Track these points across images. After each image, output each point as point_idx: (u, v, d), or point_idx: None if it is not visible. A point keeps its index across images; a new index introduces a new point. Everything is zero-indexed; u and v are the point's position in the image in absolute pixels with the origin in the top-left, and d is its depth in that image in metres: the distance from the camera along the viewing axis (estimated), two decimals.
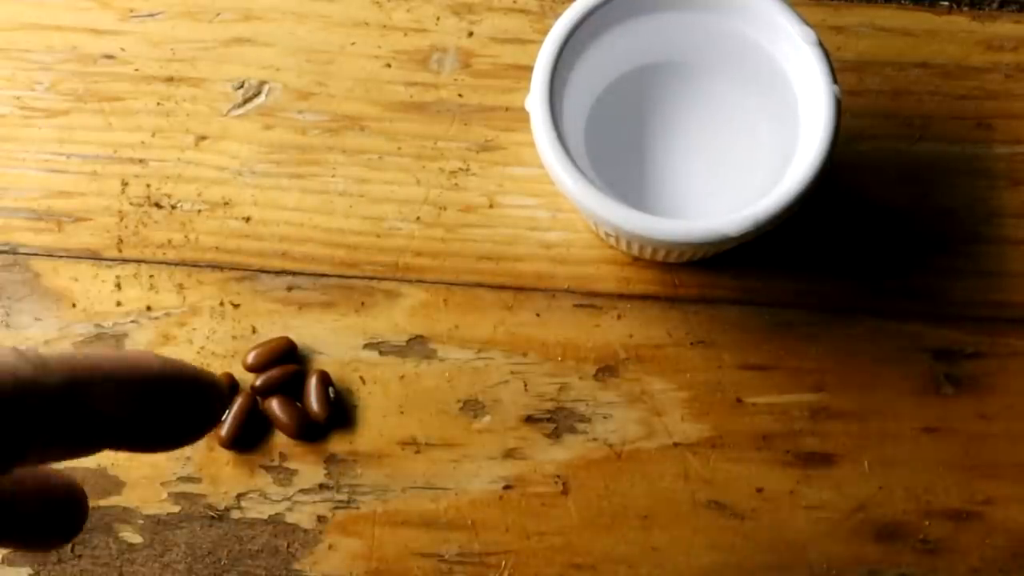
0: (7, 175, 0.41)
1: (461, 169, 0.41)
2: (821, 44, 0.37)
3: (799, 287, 0.40)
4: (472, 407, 0.39)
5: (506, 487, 0.38)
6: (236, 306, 0.40)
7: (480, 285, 0.40)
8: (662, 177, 0.40)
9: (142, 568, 0.37)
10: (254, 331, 0.39)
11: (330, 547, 0.37)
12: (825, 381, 0.39)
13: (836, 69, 0.37)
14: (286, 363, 0.39)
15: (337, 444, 0.38)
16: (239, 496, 0.38)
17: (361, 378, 0.39)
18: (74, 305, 0.40)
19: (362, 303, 0.40)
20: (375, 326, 0.39)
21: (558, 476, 0.38)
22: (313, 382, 0.38)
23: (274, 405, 0.38)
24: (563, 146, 0.36)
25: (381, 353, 0.39)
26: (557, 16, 0.38)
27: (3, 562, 0.37)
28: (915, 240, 0.40)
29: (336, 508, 0.38)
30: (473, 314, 0.40)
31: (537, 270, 0.40)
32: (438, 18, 0.43)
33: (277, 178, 0.41)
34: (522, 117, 0.38)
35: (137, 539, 0.38)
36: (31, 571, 0.37)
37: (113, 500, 0.38)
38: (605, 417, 0.38)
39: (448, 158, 0.41)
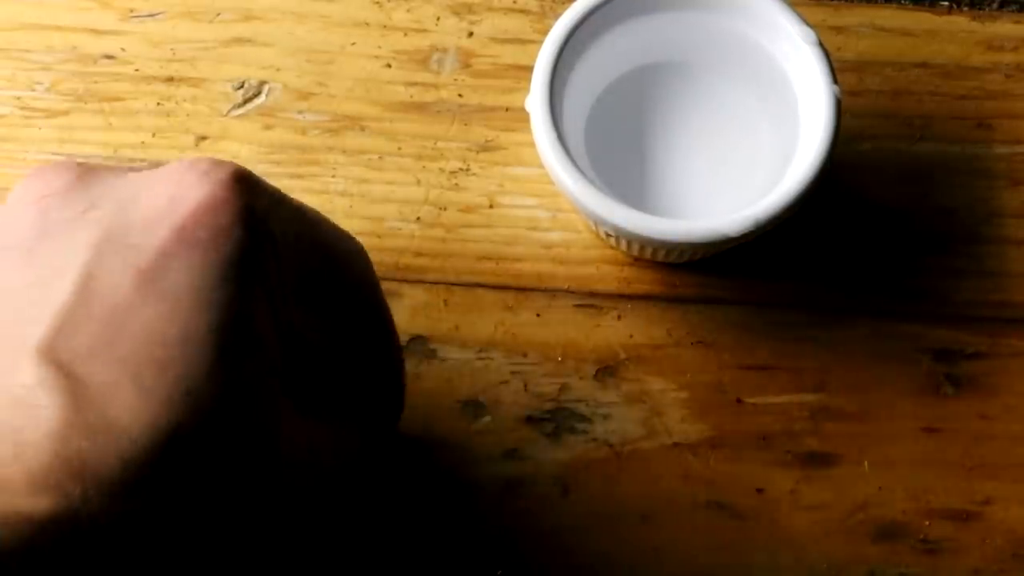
0: (7, 175, 0.41)
1: (461, 169, 0.41)
2: (821, 44, 0.37)
3: (799, 287, 0.40)
4: (472, 407, 0.39)
5: (506, 487, 0.38)
6: None
7: (480, 285, 0.40)
8: (662, 177, 0.40)
9: None
10: None
11: None
12: (825, 381, 0.39)
13: (836, 69, 0.37)
14: None
15: None
16: None
17: None
18: None
19: None
20: None
21: (558, 476, 0.38)
22: None
23: None
24: (563, 146, 0.36)
25: None
26: (557, 16, 0.38)
27: None
28: (915, 240, 0.40)
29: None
30: (473, 314, 0.40)
31: (537, 270, 0.40)
32: (438, 18, 0.43)
33: (277, 178, 0.41)
34: (522, 117, 0.38)
35: None
36: None
37: None
38: (605, 417, 0.38)
39: (448, 158, 0.41)
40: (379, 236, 0.40)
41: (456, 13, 0.43)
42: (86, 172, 0.26)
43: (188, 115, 0.42)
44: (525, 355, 0.39)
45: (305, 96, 0.42)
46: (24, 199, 0.25)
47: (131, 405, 0.22)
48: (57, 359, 0.22)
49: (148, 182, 0.25)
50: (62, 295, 0.23)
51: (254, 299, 0.25)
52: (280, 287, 0.26)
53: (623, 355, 0.39)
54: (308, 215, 0.29)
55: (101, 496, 0.21)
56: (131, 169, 0.27)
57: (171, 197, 0.25)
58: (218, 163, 0.25)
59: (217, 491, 0.23)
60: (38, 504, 0.21)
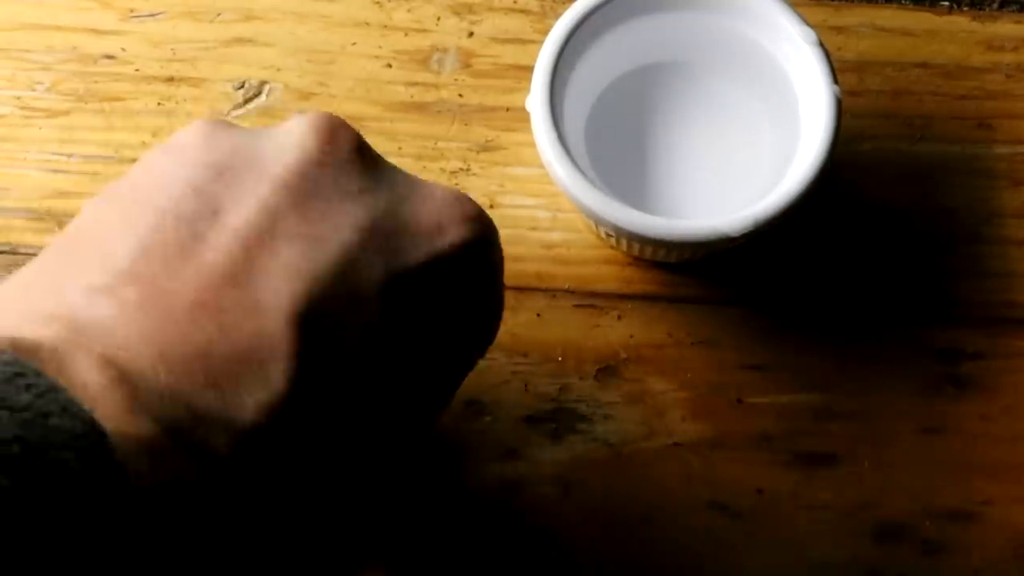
0: (7, 175, 0.41)
1: (462, 169, 0.41)
2: (822, 44, 0.37)
3: (799, 287, 0.40)
4: (472, 407, 0.39)
5: (506, 487, 0.38)
6: None
7: None
8: (662, 177, 0.40)
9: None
10: None
11: None
12: (825, 381, 0.39)
13: (836, 69, 0.37)
14: None
15: None
16: None
17: None
18: None
19: None
20: None
21: (558, 476, 0.38)
22: None
23: None
24: (563, 146, 0.36)
25: None
26: (558, 16, 0.38)
27: None
28: (915, 240, 0.40)
29: None
30: None
31: (538, 270, 0.40)
32: (439, 18, 0.43)
33: None
34: (522, 117, 0.38)
35: None
36: None
37: None
38: (605, 417, 0.38)
39: (449, 158, 0.41)
40: None
41: (456, 13, 0.43)
42: (366, 147, 0.26)
43: (189, 115, 0.42)
44: (525, 355, 0.39)
45: (306, 96, 0.42)
46: (308, 141, 0.25)
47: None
48: (305, 329, 0.22)
49: (421, 193, 0.26)
50: (324, 264, 0.23)
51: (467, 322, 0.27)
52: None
53: (623, 355, 0.39)
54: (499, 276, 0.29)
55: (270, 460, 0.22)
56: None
57: (438, 222, 0.26)
58: (481, 211, 0.27)
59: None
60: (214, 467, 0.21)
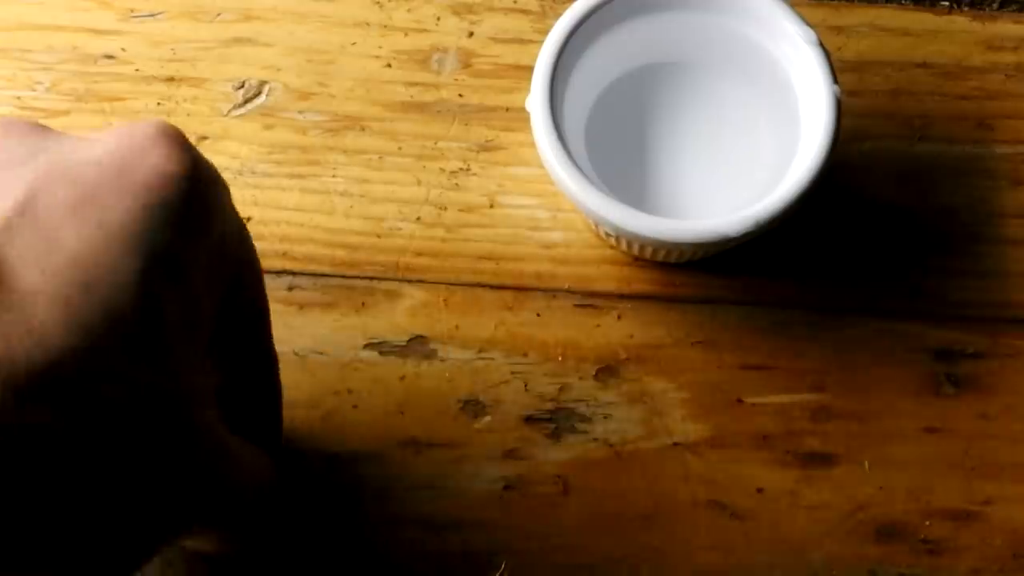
0: None
1: (461, 169, 0.41)
2: (822, 44, 0.37)
3: (799, 287, 0.40)
4: (472, 407, 0.39)
5: (506, 487, 0.38)
6: None
7: (480, 285, 0.40)
8: (662, 177, 0.40)
9: (141, 568, 0.37)
10: None
11: (330, 548, 0.37)
12: (825, 381, 0.39)
13: (836, 69, 0.37)
14: None
15: (337, 444, 0.38)
16: None
17: (361, 378, 0.39)
18: None
19: (363, 303, 0.40)
20: (375, 326, 0.39)
21: (558, 476, 0.38)
22: None
23: None
24: (563, 146, 0.36)
25: (381, 353, 0.39)
26: (558, 16, 0.38)
27: None
28: (915, 240, 0.40)
29: (338, 508, 0.38)
30: (473, 314, 0.40)
31: (537, 270, 0.40)
32: (438, 18, 0.43)
33: (278, 178, 0.41)
34: (522, 117, 0.38)
35: None
36: None
37: None
38: (605, 417, 0.38)
39: (448, 158, 0.41)
40: (379, 236, 0.40)
41: (456, 13, 0.43)
42: (42, 126, 0.27)
43: (188, 115, 0.42)
44: (525, 355, 0.39)
45: (305, 96, 0.42)
46: None
47: (53, 316, 0.23)
48: None
49: (98, 135, 0.26)
50: (4, 208, 0.24)
51: (188, 253, 0.25)
52: (217, 265, 0.27)
53: (623, 355, 0.39)
54: (242, 224, 0.30)
55: (3, 399, 0.22)
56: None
57: (118, 142, 0.26)
58: (167, 124, 0.26)
59: (119, 428, 0.24)
60: None
